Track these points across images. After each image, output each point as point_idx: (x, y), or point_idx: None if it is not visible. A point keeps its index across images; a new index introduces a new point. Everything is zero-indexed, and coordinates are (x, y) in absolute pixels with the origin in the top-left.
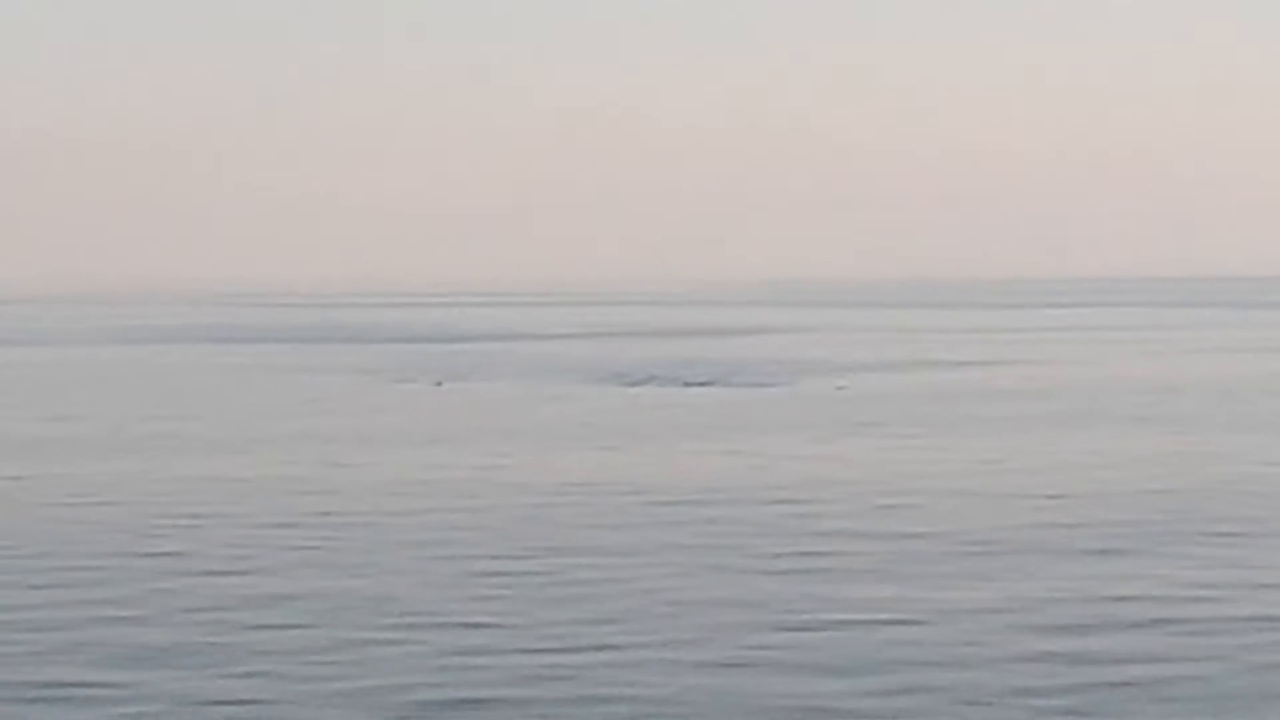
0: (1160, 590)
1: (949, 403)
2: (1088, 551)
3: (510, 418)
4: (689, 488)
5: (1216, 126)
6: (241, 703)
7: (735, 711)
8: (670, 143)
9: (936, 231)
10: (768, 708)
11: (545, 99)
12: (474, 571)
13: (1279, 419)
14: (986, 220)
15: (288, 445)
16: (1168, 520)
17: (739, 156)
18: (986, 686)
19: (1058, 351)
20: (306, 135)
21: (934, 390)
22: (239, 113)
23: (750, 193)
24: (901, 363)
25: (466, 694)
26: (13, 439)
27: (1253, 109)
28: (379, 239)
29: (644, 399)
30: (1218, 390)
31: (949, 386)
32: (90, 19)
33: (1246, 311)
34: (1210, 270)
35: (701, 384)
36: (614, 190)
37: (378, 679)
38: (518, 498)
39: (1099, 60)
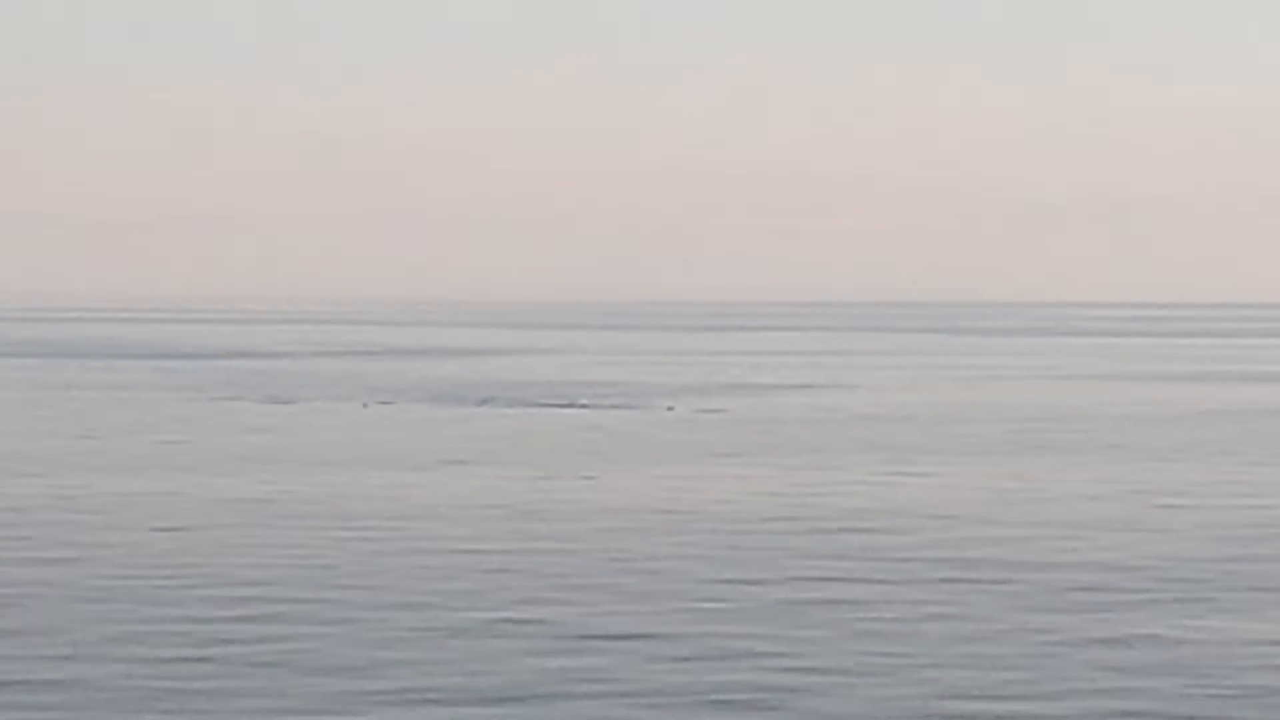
0: None
1: (838, 428)
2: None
3: (458, 439)
4: (803, 512)
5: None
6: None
7: None
8: (304, 162)
9: (575, 254)
10: None
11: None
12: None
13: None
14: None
15: (291, 469)
16: None
17: (370, 175)
18: None
19: (842, 376)
20: None
21: (797, 415)
22: None
23: (399, 212)
24: (710, 385)
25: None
26: None
27: (904, 125)
28: None
29: (538, 421)
30: (1108, 418)
31: (802, 411)
32: None
33: (900, 336)
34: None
35: (556, 405)
36: (242, 210)
37: None
38: (664, 522)
39: (742, 82)
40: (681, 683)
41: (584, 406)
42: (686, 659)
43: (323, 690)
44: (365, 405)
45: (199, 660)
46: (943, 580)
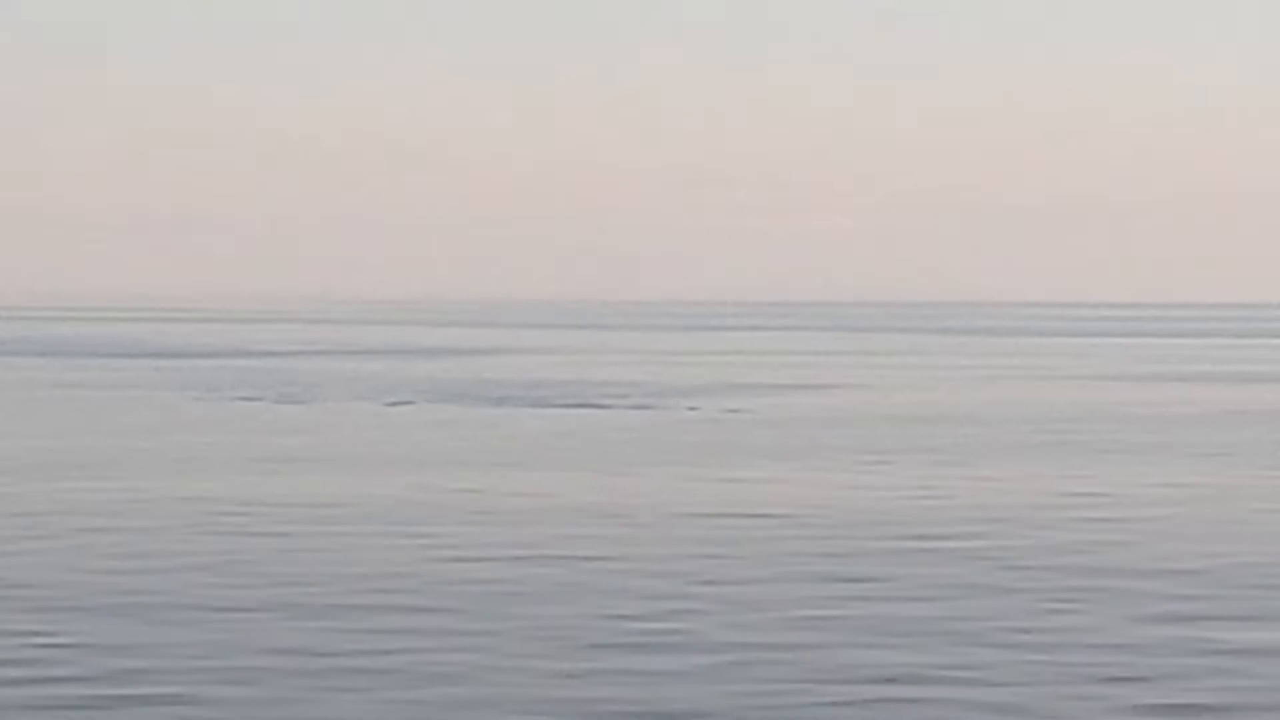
0: None
1: (872, 428)
2: None
3: (499, 440)
4: (885, 519)
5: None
6: None
7: None
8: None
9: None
10: None
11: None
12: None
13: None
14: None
15: (384, 470)
16: None
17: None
18: None
19: (849, 376)
20: None
21: (823, 415)
22: None
23: (359, 210)
24: (721, 385)
25: None
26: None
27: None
28: None
29: (566, 421)
30: (1141, 418)
31: (826, 411)
32: None
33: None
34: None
35: (575, 405)
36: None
37: None
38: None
39: (680, 79)
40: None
41: (604, 407)
42: (839, 673)
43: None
44: (393, 404)
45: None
46: (1069, 588)
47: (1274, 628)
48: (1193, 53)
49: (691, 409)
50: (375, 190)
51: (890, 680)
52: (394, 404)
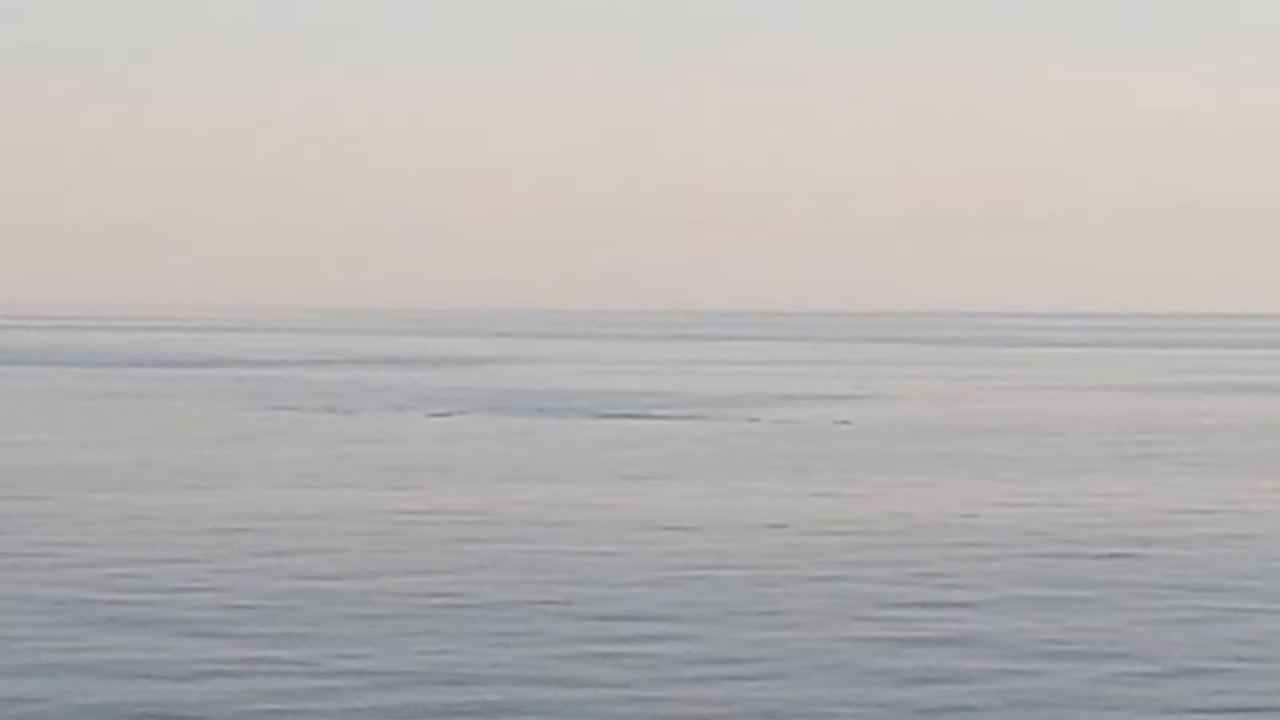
0: None
1: (926, 440)
2: None
3: (582, 450)
4: (1026, 529)
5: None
6: None
7: None
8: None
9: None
10: None
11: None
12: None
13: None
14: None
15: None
16: None
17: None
18: None
19: (864, 386)
20: None
21: (869, 427)
22: None
23: (292, 220)
24: (755, 396)
25: None
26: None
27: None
28: None
29: (631, 432)
30: (1175, 430)
31: (871, 424)
32: None
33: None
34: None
35: (628, 415)
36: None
37: None
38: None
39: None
40: None
41: (661, 418)
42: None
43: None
44: (438, 415)
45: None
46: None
47: None
48: (1138, 67)
49: (751, 420)
50: (307, 199)
51: None
52: (438, 415)
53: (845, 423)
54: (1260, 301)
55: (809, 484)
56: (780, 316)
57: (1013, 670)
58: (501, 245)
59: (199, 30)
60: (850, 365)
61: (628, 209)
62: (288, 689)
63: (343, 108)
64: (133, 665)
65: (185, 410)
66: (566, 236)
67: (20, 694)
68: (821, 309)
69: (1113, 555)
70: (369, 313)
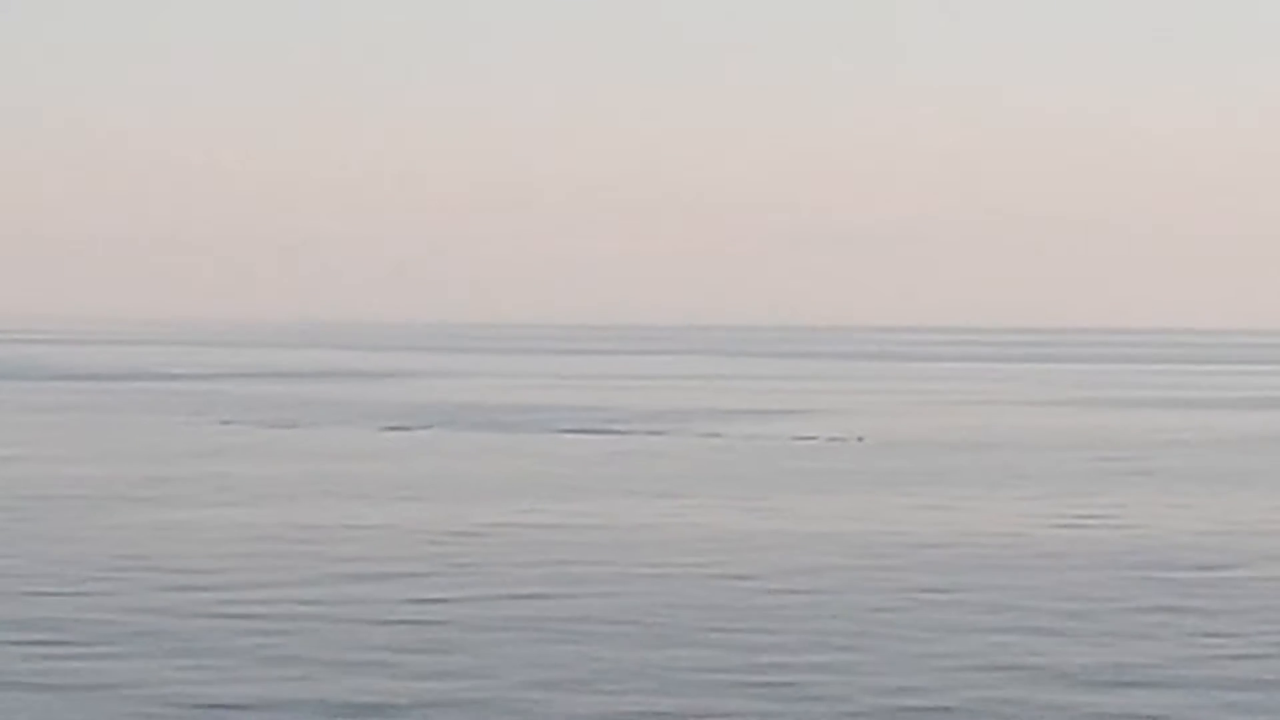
0: None
1: (916, 455)
2: None
3: (577, 468)
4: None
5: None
6: None
7: None
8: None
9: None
10: None
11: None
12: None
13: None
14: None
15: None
16: None
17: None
18: None
19: (815, 401)
20: None
21: (837, 442)
22: None
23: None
24: (705, 411)
25: None
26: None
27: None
28: None
29: (604, 446)
30: (1155, 445)
31: (845, 437)
32: None
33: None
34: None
35: (592, 431)
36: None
37: None
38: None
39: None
40: None
41: (619, 433)
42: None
43: None
44: (390, 429)
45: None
46: None
47: None
48: (1022, 75)
49: (715, 435)
50: (163, 209)
51: None
52: (395, 429)
53: (756, 438)
54: (1123, 316)
55: (850, 501)
56: (657, 330)
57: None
58: (364, 256)
59: None
60: (777, 380)
61: (482, 218)
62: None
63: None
64: None
65: (137, 424)
66: (441, 247)
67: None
68: (716, 323)
69: (1206, 569)
70: (234, 326)
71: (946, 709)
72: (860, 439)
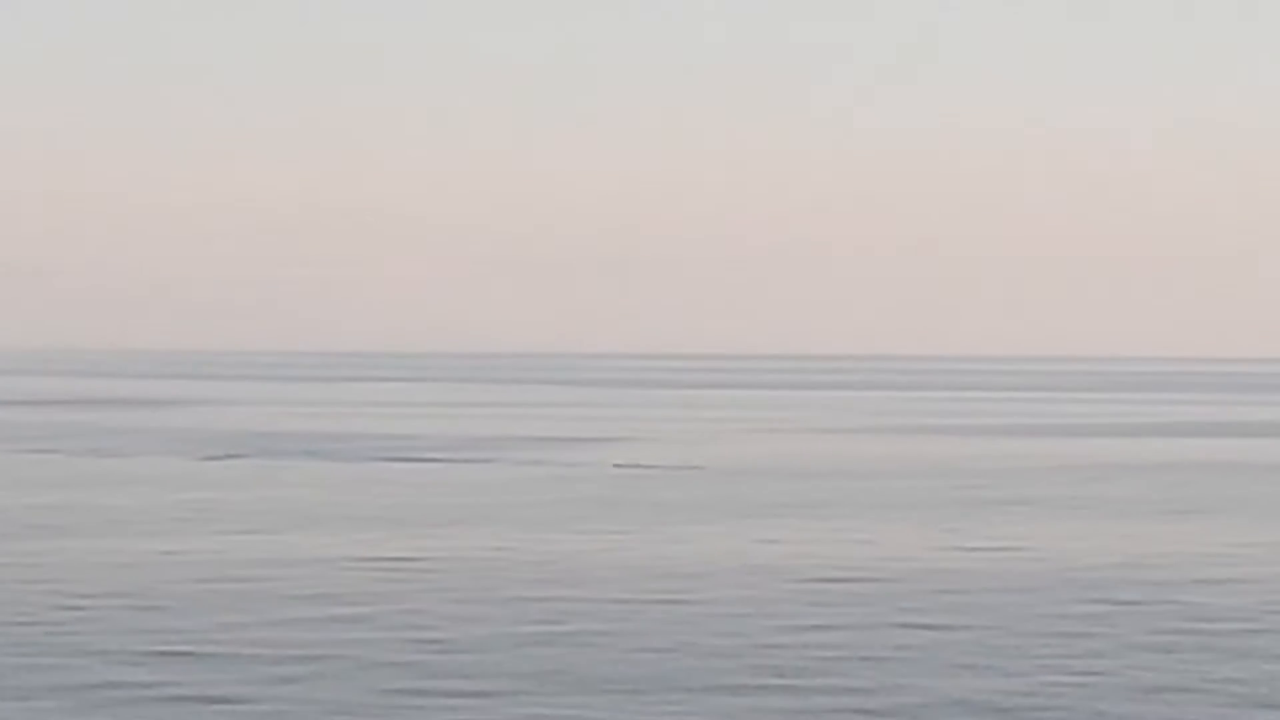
0: None
1: (728, 485)
2: None
3: (428, 496)
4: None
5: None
6: None
7: None
8: None
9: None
10: None
11: None
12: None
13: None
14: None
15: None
16: None
17: None
18: None
19: (608, 429)
20: None
21: (658, 471)
22: None
23: None
24: (521, 439)
25: None
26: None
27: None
28: None
29: (439, 475)
30: (990, 472)
31: (661, 468)
32: None
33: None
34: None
35: (406, 459)
36: None
37: None
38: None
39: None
40: None
41: (441, 460)
42: None
43: None
44: (213, 459)
45: None
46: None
47: None
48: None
49: (536, 463)
50: None
51: None
52: (213, 458)
53: (579, 465)
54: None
55: (724, 529)
56: (404, 358)
57: None
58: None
59: None
60: (563, 407)
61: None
62: None
63: None
64: None
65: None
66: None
67: None
68: (433, 349)
69: (1120, 602)
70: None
71: None
72: (699, 467)
